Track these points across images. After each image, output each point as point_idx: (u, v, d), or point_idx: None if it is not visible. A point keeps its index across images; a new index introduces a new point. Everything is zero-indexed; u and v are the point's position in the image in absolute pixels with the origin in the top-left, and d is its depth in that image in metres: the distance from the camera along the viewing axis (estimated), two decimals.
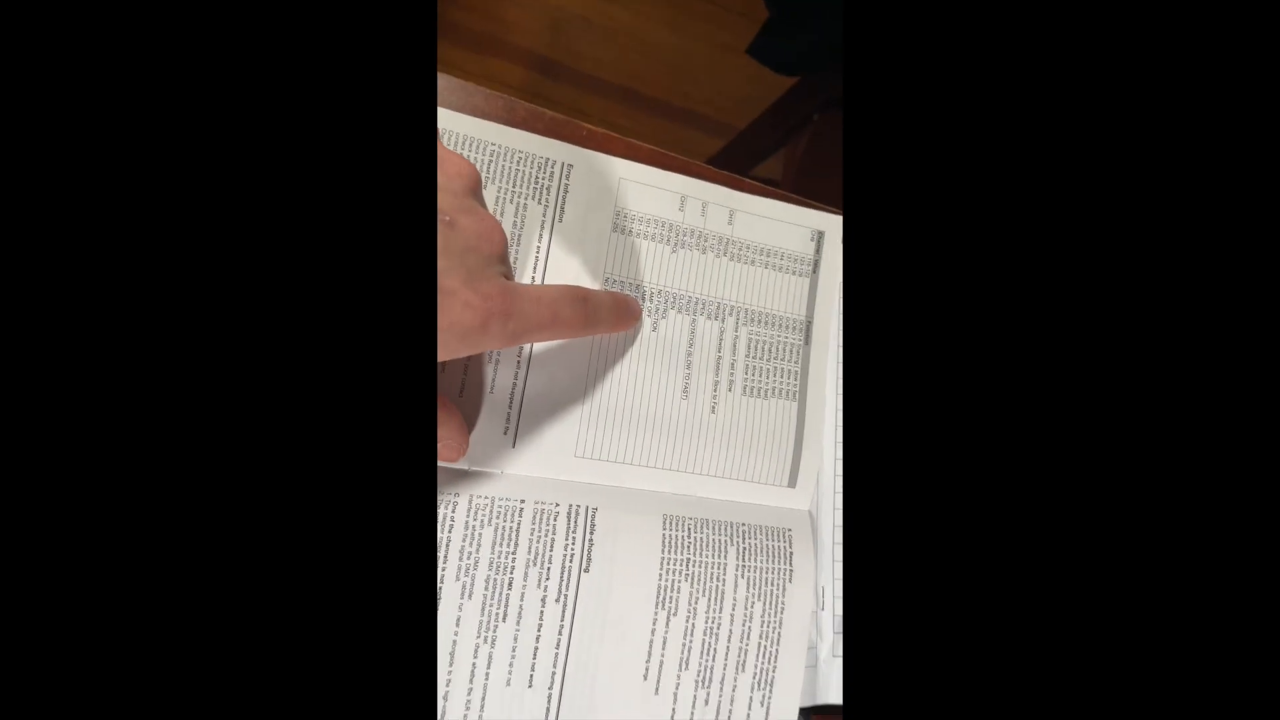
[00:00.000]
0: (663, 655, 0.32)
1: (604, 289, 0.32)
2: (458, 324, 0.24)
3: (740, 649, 0.33)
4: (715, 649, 0.33)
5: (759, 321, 0.36)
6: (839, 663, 0.34)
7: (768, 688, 0.33)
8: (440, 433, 0.29)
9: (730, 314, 0.36)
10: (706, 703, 0.32)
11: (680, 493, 0.34)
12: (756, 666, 0.33)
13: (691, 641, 0.32)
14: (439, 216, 0.24)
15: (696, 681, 0.32)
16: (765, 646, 0.33)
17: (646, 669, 0.32)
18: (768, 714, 0.33)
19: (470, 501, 0.31)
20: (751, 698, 0.33)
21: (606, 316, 0.30)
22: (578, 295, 0.28)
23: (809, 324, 0.37)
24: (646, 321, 0.35)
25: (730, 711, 0.32)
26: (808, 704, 0.33)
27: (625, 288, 0.34)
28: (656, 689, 0.32)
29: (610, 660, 0.31)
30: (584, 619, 0.31)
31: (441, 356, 0.24)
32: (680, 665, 0.32)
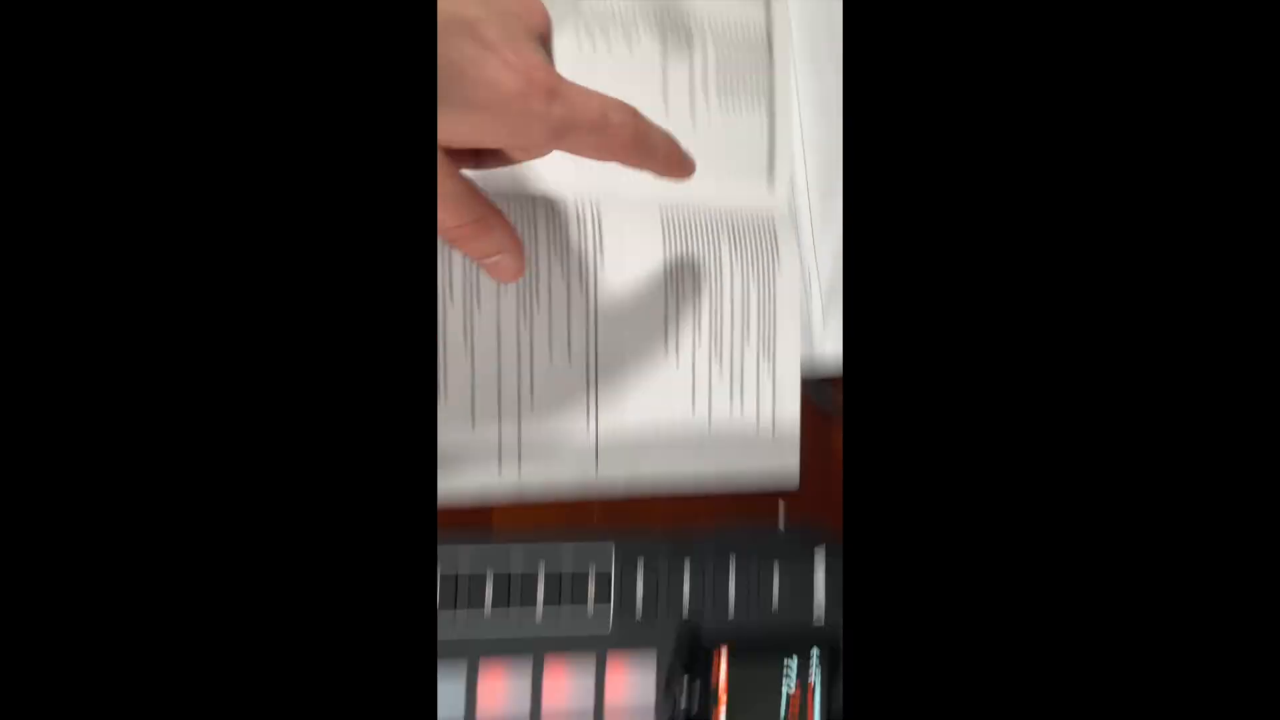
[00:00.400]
0: (678, 332, 0.36)
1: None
2: (496, 86, 0.21)
3: (743, 323, 0.37)
4: (721, 325, 0.36)
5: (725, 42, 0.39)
6: (830, 341, 0.39)
7: (771, 359, 0.37)
8: (493, 248, 0.27)
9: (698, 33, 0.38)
10: (720, 374, 0.36)
11: (671, 197, 0.37)
12: (759, 337, 0.37)
13: (701, 319, 0.36)
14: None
15: (710, 355, 0.36)
16: (763, 322, 0.37)
17: (665, 344, 0.36)
18: (774, 379, 0.37)
19: None
20: (760, 367, 0.37)
21: (661, 148, 0.26)
22: (631, 109, 0.25)
23: (770, 40, 0.40)
24: (621, 43, 0.37)
25: (742, 379, 0.37)
26: (808, 375, 0.38)
27: None
28: (677, 363, 0.36)
29: (634, 337, 0.35)
30: (607, 301, 0.34)
31: (471, 138, 0.22)
32: (694, 342, 0.36)
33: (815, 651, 0.32)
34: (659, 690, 0.31)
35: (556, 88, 0.22)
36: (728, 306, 0.37)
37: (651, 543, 0.32)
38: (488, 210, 0.26)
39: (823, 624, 0.32)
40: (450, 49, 0.20)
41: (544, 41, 0.24)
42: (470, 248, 0.27)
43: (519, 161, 0.27)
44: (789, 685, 0.32)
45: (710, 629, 0.31)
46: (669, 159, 0.27)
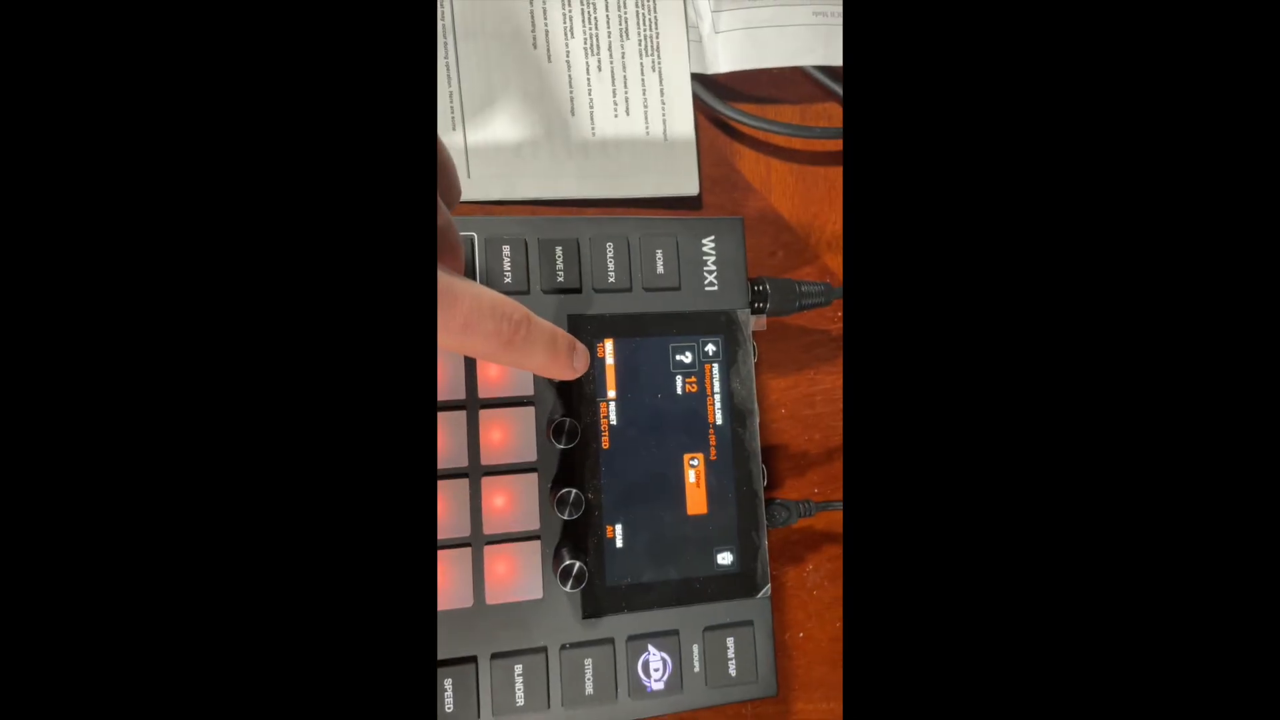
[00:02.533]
0: (546, 24, 0.32)
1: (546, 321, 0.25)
2: None
3: (620, 18, 0.33)
4: (596, 18, 0.32)
5: None
6: (722, 37, 0.35)
7: (655, 54, 0.33)
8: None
9: None
10: (600, 69, 0.32)
11: None
12: (640, 34, 0.33)
13: (571, 11, 0.32)
14: None
15: (585, 49, 0.32)
16: (644, 14, 0.33)
17: (534, 37, 0.31)
18: (661, 78, 0.33)
19: None
20: (642, 63, 0.33)
21: (539, 356, 0.24)
22: (509, 315, 0.22)
23: None
24: None
25: (625, 77, 0.33)
26: (699, 70, 0.34)
27: None
28: (549, 56, 0.32)
29: (497, 22, 0.31)
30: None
31: None
32: (566, 34, 0.32)
33: (715, 336, 0.30)
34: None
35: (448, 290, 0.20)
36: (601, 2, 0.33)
37: (515, 231, 0.28)
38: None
39: (719, 309, 0.29)
40: None
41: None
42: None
43: None
44: (684, 365, 0.29)
45: (599, 313, 0.28)
46: (548, 362, 0.24)
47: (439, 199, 0.22)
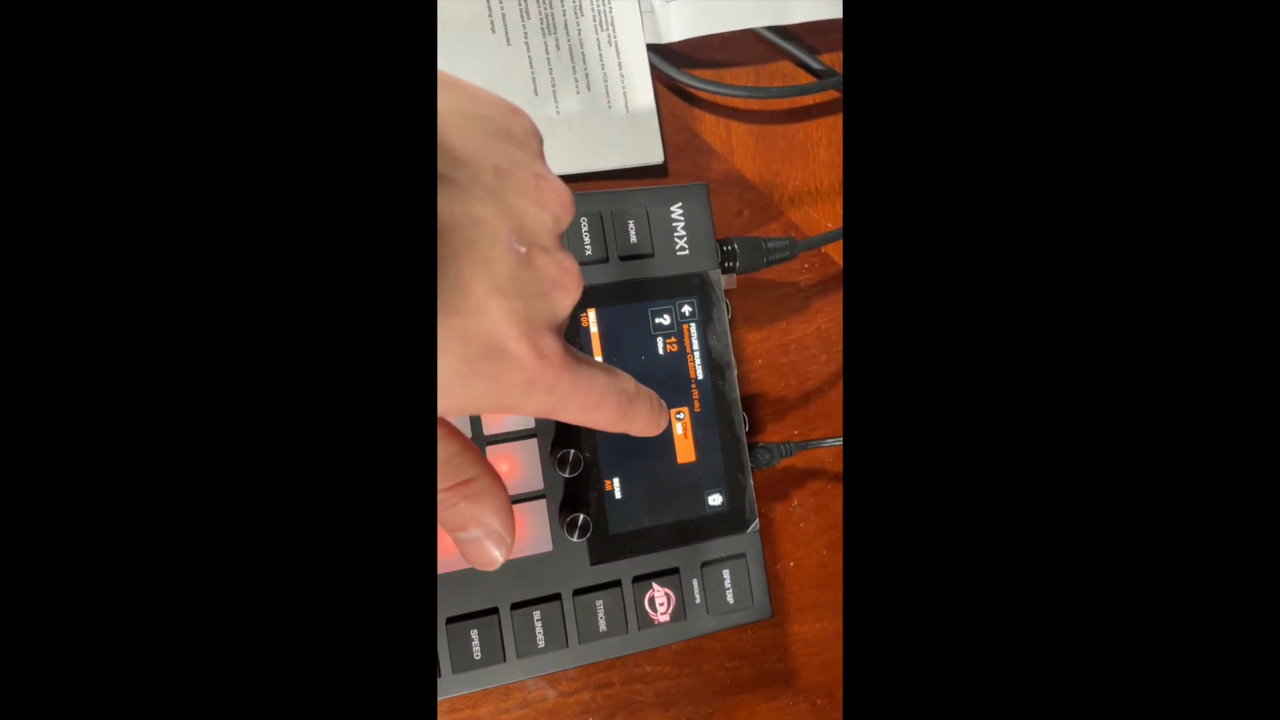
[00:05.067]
0: (502, 8, 0.33)
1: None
2: (501, 383, 0.19)
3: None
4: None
5: None
6: (674, 5, 0.36)
7: (610, 28, 0.35)
8: (473, 521, 0.23)
9: None
10: (559, 48, 0.34)
11: None
12: (594, 10, 0.35)
13: None
14: (515, 247, 0.19)
15: (542, 29, 0.33)
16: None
17: (491, 22, 0.33)
18: (618, 51, 0.35)
19: None
20: (599, 38, 0.34)
21: (641, 421, 0.25)
22: (625, 391, 0.23)
23: None
24: None
25: (584, 54, 0.34)
26: (654, 41, 0.36)
27: None
28: (507, 40, 0.33)
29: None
30: None
31: (458, 409, 0.19)
32: (522, 15, 0.33)
33: (691, 298, 0.32)
34: None
35: (558, 383, 0.20)
36: None
37: None
38: (481, 472, 0.22)
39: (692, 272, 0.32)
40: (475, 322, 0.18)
41: (567, 318, 0.22)
42: (444, 515, 0.22)
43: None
44: (664, 328, 0.31)
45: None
46: (645, 428, 0.25)
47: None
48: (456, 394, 0.19)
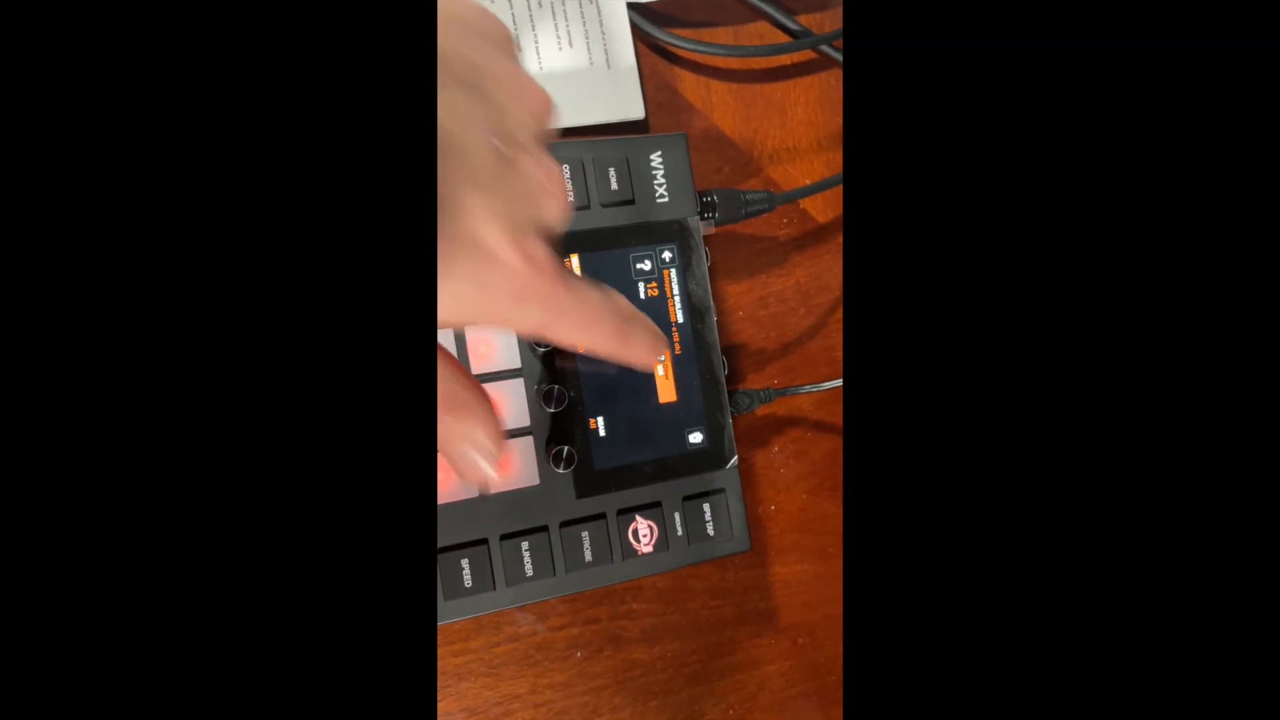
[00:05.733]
0: None
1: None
2: (487, 288, 0.18)
3: None
4: None
5: None
6: None
7: None
8: (461, 441, 0.22)
9: None
10: (540, 5, 0.35)
11: None
12: None
13: None
14: (494, 143, 0.18)
15: None
16: None
17: None
18: (599, 9, 0.36)
19: None
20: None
21: (639, 347, 0.23)
22: (622, 311, 0.22)
23: None
24: None
25: (565, 11, 0.35)
26: (634, 0, 0.37)
27: None
28: None
29: None
30: None
31: (441, 319, 0.18)
32: None
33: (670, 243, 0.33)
34: None
35: (552, 293, 0.19)
36: None
37: None
38: (469, 389, 0.21)
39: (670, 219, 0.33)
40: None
41: (551, 226, 0.20)
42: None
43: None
44: (645, 273, 0.32)
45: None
46: (644, 354, 0.23)
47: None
48: (438, 300, 0.18)
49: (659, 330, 0.25)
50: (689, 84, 0.40)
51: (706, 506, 0.32)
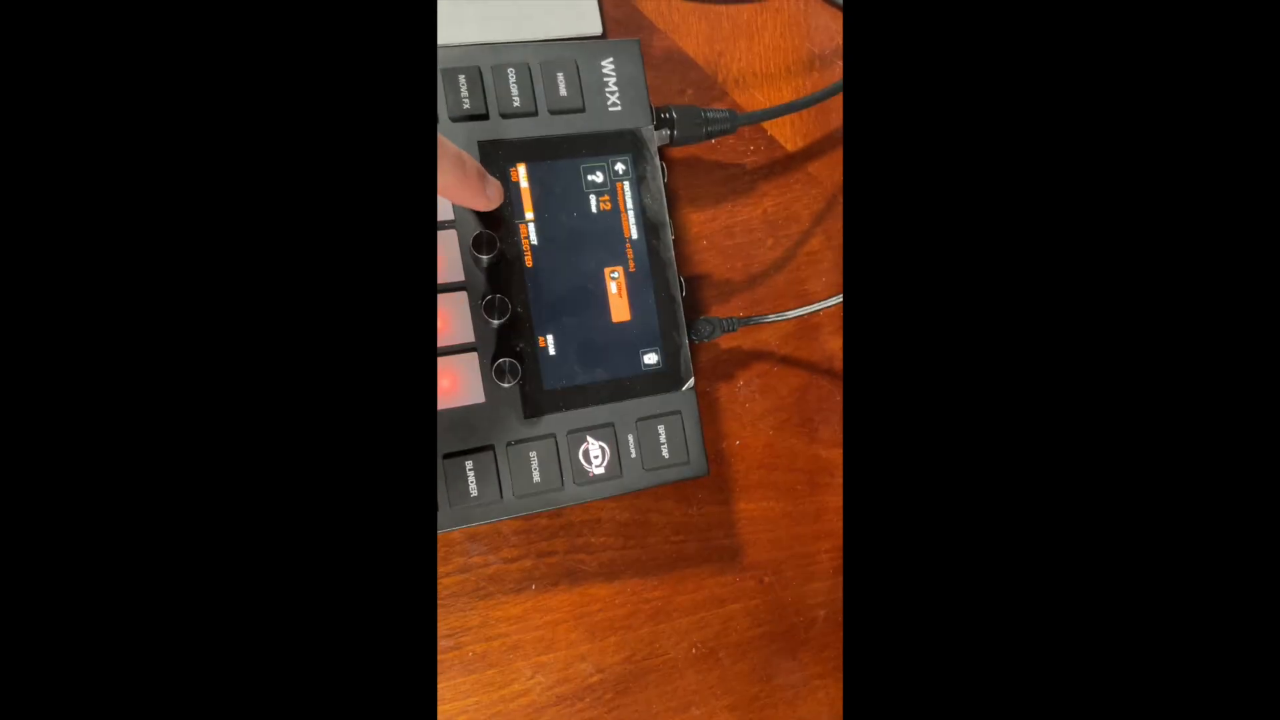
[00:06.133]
0: None
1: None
2: None
3: None
4: None
5: None
6: None
7: None
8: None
9: None
10: None
11: None
12: None
13: None
14: None
15: None
16: None
17: None
18: None
19: None
20: None
21: (447, 171, 0.25)
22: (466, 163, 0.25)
23: None
24: None
25: None
26: None
27: None
28: None
29: None
30: None
31: None
32: None
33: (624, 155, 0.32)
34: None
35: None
36: None
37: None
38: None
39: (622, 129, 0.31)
40: None
41: None
42: None
43: None
44: (596, 185, 0.31)
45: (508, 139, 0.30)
46: (459, 186, 0.26)
47: None
48: None
49: (470, 158, 0.26)
50: (649, 1, 0.38)
51: (661, 428, 0.31)
